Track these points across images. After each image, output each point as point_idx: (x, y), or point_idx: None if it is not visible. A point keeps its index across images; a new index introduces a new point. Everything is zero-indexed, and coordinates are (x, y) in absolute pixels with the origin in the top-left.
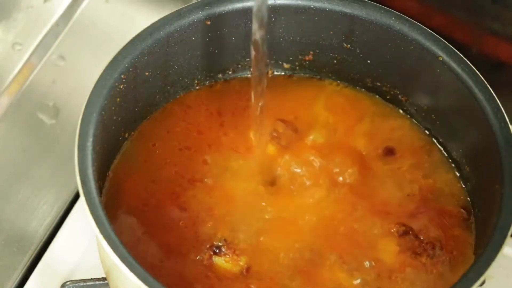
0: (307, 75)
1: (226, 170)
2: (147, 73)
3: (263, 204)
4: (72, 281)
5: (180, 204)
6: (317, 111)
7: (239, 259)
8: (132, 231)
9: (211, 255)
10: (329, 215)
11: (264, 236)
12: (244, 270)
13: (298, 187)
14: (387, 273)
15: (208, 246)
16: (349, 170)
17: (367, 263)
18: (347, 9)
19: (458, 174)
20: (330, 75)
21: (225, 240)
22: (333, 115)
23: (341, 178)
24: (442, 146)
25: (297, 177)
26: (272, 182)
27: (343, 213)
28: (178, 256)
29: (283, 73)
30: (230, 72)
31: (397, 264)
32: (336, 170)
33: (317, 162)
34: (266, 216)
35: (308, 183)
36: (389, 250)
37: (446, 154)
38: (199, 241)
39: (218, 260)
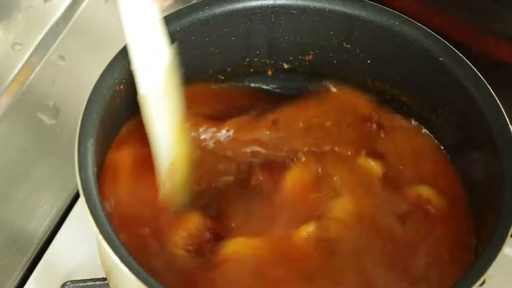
0: (307, 75)
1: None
2: None
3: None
4: (72, 281)
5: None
6: (318, 110)
7: None
8: (133, 231)
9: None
10: (332, 216)
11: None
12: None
13: (300, 188)
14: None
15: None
16: (350, 171)
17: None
18: (347, 9)
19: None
20: (330, 75)
21: None
22: (333, 115)
23: (341, 181)
24: (442, 146)
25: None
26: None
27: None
28: (182, 256)
29: (283, 73)
30: (230, 72)
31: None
32: (337, 171)
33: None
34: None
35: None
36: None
37: (445, 154)
38: (204, 241)
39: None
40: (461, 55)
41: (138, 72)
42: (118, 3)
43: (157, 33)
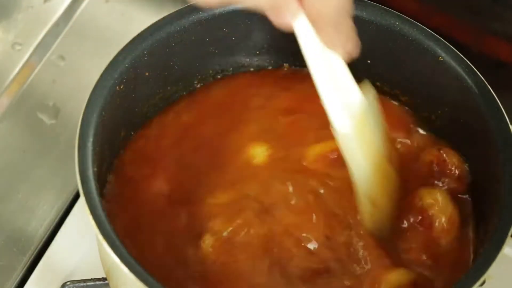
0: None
1: (229, 169)
2: (147, 74)
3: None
4: (72, 281)
5: (181, 205)
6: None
7: None
8: (132, 231)
9: None
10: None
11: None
12: None
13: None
14: None
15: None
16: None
17: None
18: None
19: None
20: None
21: None
22: None
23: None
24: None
25: None
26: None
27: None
28: (182, 257)
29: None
30: (230, 72)
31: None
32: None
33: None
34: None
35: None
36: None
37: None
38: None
39: None
40: (461, 55)
41: (330, 113)
42: (306, 58)
43: (346, 80)
